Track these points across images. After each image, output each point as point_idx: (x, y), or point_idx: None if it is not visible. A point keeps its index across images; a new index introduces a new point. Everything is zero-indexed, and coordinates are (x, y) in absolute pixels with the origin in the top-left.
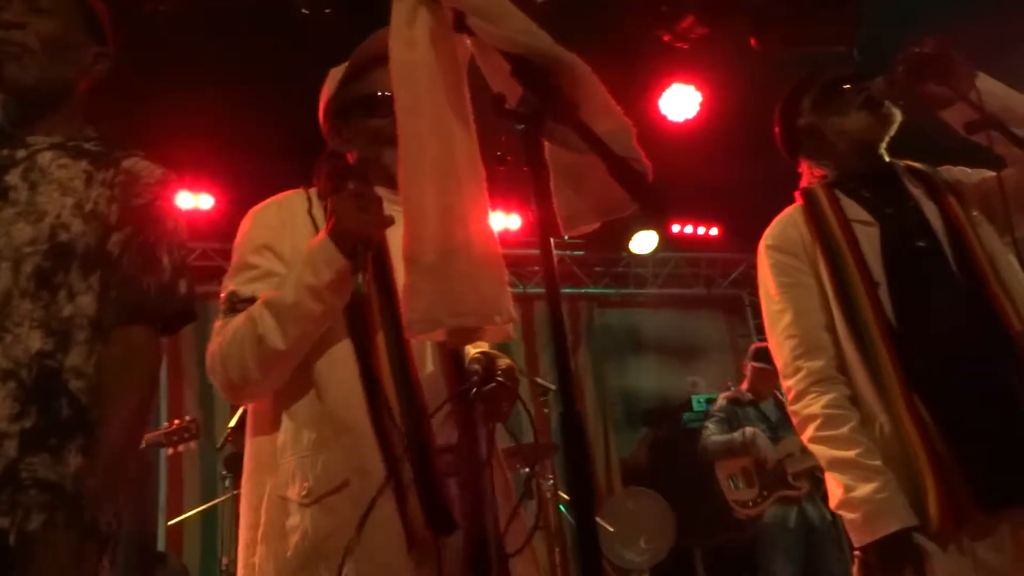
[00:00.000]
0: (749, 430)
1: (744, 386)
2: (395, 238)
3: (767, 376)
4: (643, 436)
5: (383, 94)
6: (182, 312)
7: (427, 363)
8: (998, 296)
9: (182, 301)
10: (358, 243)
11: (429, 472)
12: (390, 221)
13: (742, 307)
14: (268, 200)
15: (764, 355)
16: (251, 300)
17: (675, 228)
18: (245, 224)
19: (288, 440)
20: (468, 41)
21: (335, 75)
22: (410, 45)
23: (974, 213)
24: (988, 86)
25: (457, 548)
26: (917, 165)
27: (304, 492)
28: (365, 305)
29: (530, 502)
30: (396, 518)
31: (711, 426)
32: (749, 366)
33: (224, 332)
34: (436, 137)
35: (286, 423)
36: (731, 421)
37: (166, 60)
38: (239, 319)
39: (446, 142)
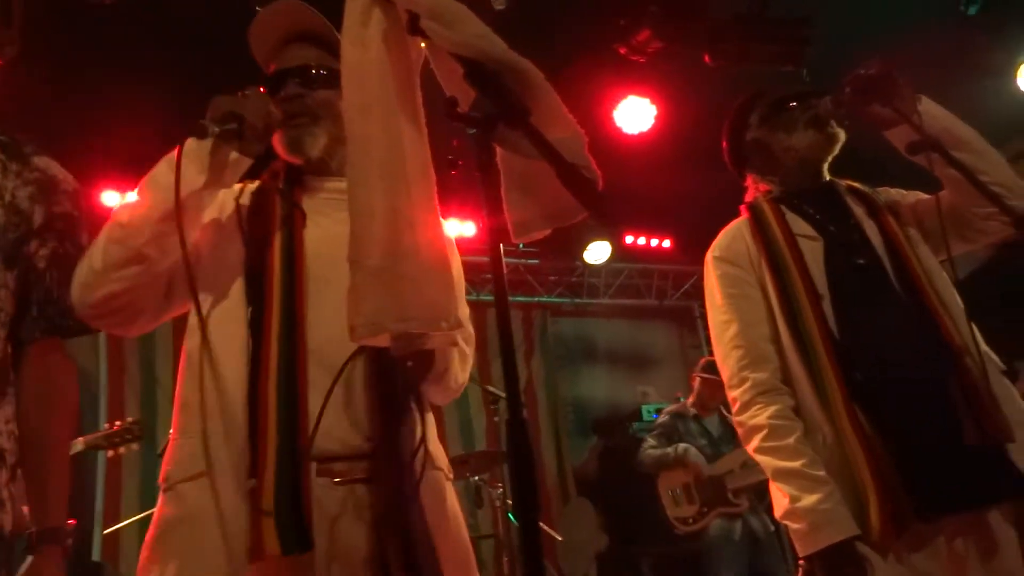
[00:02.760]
0: (682, 445)
1: (690, 400)
2: (313, 239)
3: (714, 387)
4: (593, 445)
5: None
6: (92, 328)
7: (351, 366)
8: (937, 311)
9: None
10: (226, 116)
11: (292, 477)
12: (269, 113)
13: (693, 318)
14: None
15: (714, 367)
16: None
17: (628, 239)
18: None
19: (176, 419)
20: (422, 44)
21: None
22: (363, 45)
23: (911, 232)
24: (930, 109)
25: (355, 561)
26: (857, 185)
27: (164, 476)
28: (266, 294)
29: (479, 511)
30: (242, 519)
31: (650, 439)
32: (697, 378)
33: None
34: (386, 139)
35: (180, 380)
36: (671, 436)
37: (118, 50)
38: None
39: (395, 144)
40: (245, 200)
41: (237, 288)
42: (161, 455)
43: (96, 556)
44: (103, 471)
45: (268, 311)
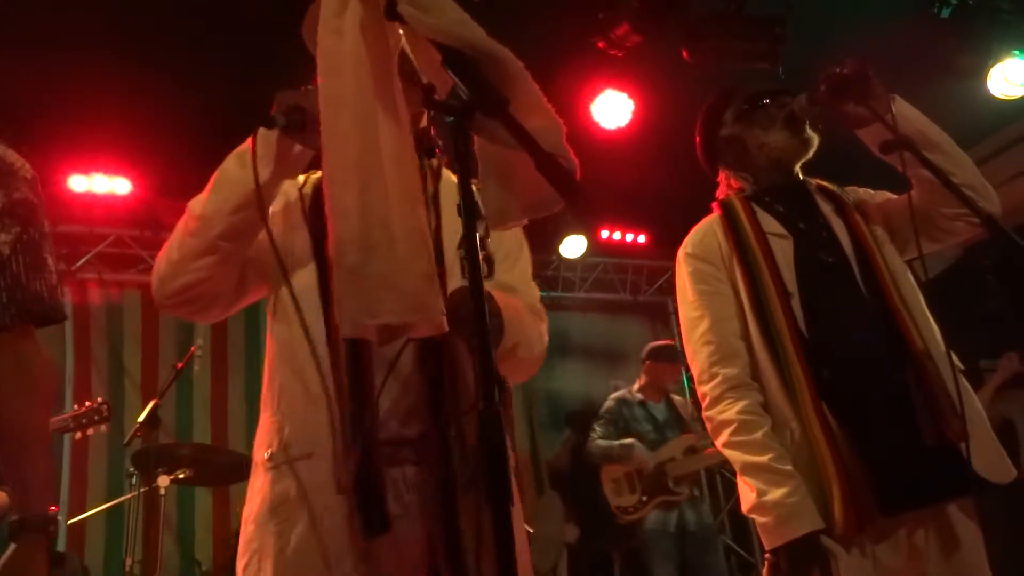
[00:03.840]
0: (628, 441)
1: (637, 385)
2: None
3: (660, 372)
4: (566, 438)
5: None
6: (61, 315)
7: (401, 353)
8: (900, 312)
9: (61, 305)
10: (294, 110)
11: (367, 465)
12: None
13: (667, 314)
14: None
15: (660, 352)
16: None
17: (604, 234)
18: None
19: (265, 397)
20: (400, 30)
21: None
22: (338, 34)
23: (878, 231)
24: (904, 110)
25: (420, 539)
26: (827, 184)
27: (269, 456)
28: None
29: None
30: (340, 502)
31: (598, 428)
32: (645, 362)
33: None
34: (360, 134)
35: (266, 377)
36: (617, 422)
37: (84, 33)
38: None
39: (370, 139)
40: (308, 190)
41: (310, 278)
42: (127, 445)
43: (61, 546)
44: (68, 460)
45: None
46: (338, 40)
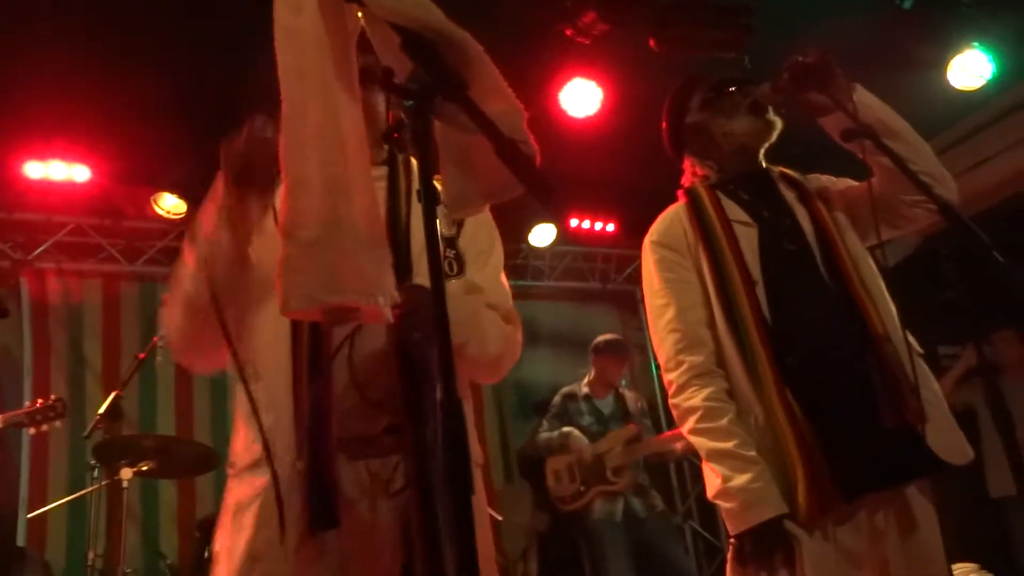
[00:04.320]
0: (566, 429)
1: (585, 380)
2: None
3: (604, 366)
4: (536, 426)
5: None
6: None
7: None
8: (862, 299)
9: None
10: (244, 170)
11: (318, 461)
12: (266, 143)
13: (635, 302)
14: None
15: (602, 347)
16: None
17: (573, 223)
18: None
19: (237, 406)
20: (359, 13)
21: None
22: (296, 10)
23: (840, 218)
24: (865, 99)
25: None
26: (789, 172)
27: (231, 463)
28: None
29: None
30: (292, 504)
31: (545, 423)
32: (592, 358)
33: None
34: (321, 105)
35: (239, 387)
36: (562, 417)
37: (42, 16)
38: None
39: (331, 112)
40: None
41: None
42: (87, 437)
43: (21, 541)
44: (27, 453)
45: None
46: (296, 15)
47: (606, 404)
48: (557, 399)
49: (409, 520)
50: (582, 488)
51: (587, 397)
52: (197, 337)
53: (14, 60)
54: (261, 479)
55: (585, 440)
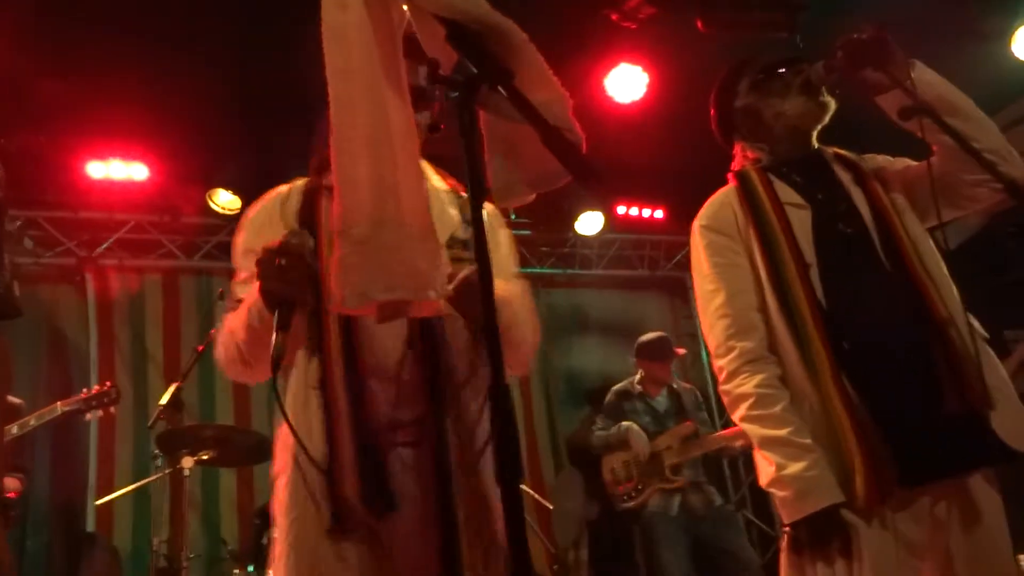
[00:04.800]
0: (624, 424)
1: (636, 378)
2: None
3: (649, 368)
4: (586, 415)
5: None
6: (13, 312)
7: (390, 338)
8: (923, 281)
9: (14, 300)
10: (280, 304)
11: (368, 447)
12: (306, 281)
13: (684, 289)
14: (262, 198)
15: (643, 350)
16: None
17: (621, 210)
18: (240, 225)
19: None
20: (404, 6)
21: None
22: (342, 7)
23: (898, 199)
24: (923, 75)
25: (412, 526)
26: (844, 152)
27: (279, 463)
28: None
29: None
30: (324, 493)
31: (599, 421)
32: (635, 361)
33: (223, 327)
34: (369, 103)
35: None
36: (617, 416)
37: (102, 19)
38: (230, 317)
39: (380, 109)
40: (294, 201)
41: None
42: (151, 427)
43: (90, 527)
44: (95, 442)
45: (325, 311)
46: (342, 12)
47: (661, 401)
48: (611, 397)
49: (433, 510)
50: (640, 487)
51: (641, 395)
52: (249, 367)
53: (72, 64)
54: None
55: (644, 436)
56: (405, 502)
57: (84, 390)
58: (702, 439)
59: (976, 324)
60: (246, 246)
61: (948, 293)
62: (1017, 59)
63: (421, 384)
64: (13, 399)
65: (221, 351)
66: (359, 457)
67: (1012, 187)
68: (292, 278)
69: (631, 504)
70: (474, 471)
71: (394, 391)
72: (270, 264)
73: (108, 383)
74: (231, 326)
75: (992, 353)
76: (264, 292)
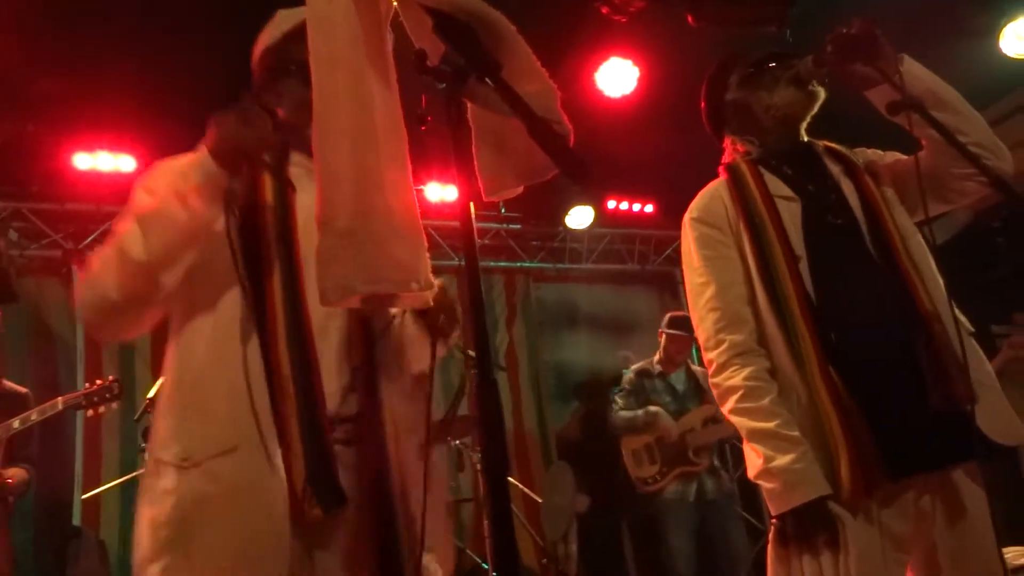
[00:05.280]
0: (652, 409)
1: (657, 356)
2: (306, 204)
3: (680, 343)
4: (575, 409)
5: None
6: (8, 297)
7: (331, 330)
8: (910, 274)
9: (12, 286)
10: (237, 153)
11: (318, 442)
12: (271, 137)
13: (674, 283)
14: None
15: (679, 322)
16: None
17: (611, 204)
18: (148, 174)
19: (174, 394)
20: None
21: (282, 21)
22: None
23: (888, 193)
24: (912, 69)
25: (355, 522)
26: (834, 146)
27: (184, 455)
28: (266, 262)
29: (459, 474)
30: (280, 488)
31: (619, 400)
32: (664, 334)
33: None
34: (353, 95)
35: (175, 372)
36: (638, 394)
37: (87, 10)
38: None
39: (364, 100)
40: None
41: (227, 264)
42: (138, 420)
43: (76, 521)
44: (81, 435)
45: (269, 288)
46: (328, 2)
47: (679, 380)
48: (631, 375)
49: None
50: (664, 469)
51: (661, 374)
52: (127, 308)
53: (60, 55)
54: (229, 470)
55: (671, 420)
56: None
57: (86, 384)
58: (723, 423)
59: (962, 318)
60: (155, 184)
61: (934, 287)
62: (1005, 55)
63: (364, 379)
64: (17, 387)
65: (86, 289)
66: (306, 450)
67: (997, 180)
68: (257, 122)
69: (654, 488)
70: (409, 468)
71: (338, 382)
72: (229, 113)
73: (111, 377)
74: (108, 251)
75: (978, 347)
76: (216, 140)
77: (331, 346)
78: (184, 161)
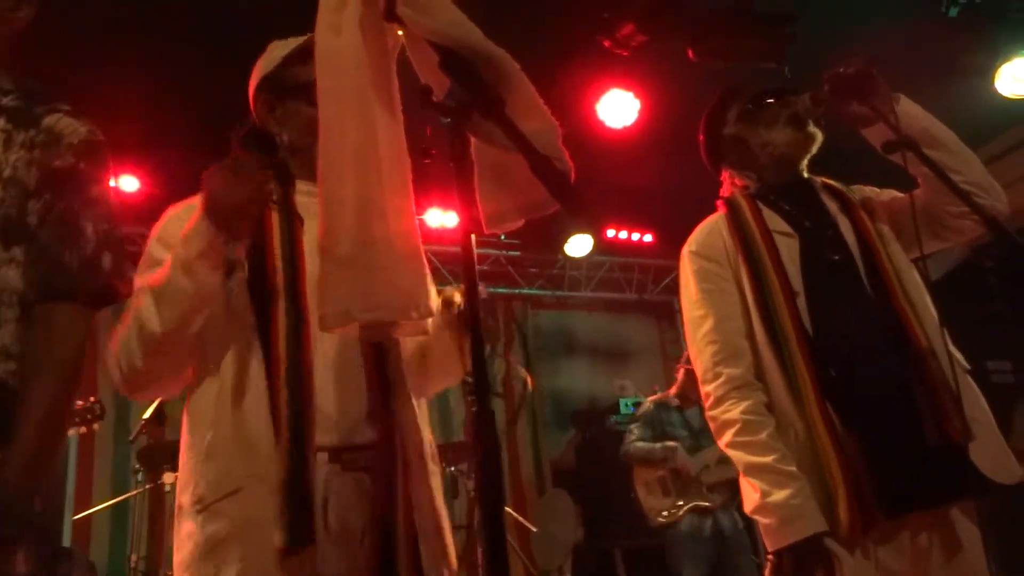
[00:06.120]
0: (671, 444)
1: (673, 390)
2: (314, 234)
3: (689, 380)
4: (571, 437)
5: None
6: (103, 289)
7: (348, 359)
8: (905, 311)
9: (104, 277)
10: (230, 213)
11: (299, 480)
12: (265, 190)
13: (672, 313)
14: (189, 199)
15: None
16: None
17: (610, 233)
18: (160, 221)
19: (189, 440)
20: (399, 31)
21: (276, 50)
22: (336, 31)
23: (884, 229)
24: (908, 109)
25: (362, 548)
26: (832, 182)
27: (196, 499)
28: (273, 302)
29: (454, 501)
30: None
31: (635, 431)
32: (682, 369)
33: (122, 324)
34: (358, 126)
35: (189, 421)
36: (655, 426)
37: (96, 33)
38: (131, 309)
39: (369, 131)
40: None
41: (238, 315)
42: (132, 442)
43: (67, 542)
44: (75, 456)
45: (274, 330)
46: (336, 37)
47: (695, 417)
48: (648, 407)
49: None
50: (680, 503)
51: (679, 408)
52: (157, 375)
53: (63, 75)
54: (236, 511)
55: (688, 457)
56: (346, 532)
57: (79, 402)
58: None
59: (958, 355)
60: (169, 240)
61: (930, 323)
62: (1000, 95)
63: (374, 407)
64: None
65: (112, 357)
66: (283, 486)
67: (989, 219)
68: (247, 178)
69: (666, 520)
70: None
71: (351, 410)
72: (219, 168)
73: (92, 397)
74: (128, 320)
75: (973, 384)
76: (209, 202)
77: (348, 375)
78: (187, 223)
